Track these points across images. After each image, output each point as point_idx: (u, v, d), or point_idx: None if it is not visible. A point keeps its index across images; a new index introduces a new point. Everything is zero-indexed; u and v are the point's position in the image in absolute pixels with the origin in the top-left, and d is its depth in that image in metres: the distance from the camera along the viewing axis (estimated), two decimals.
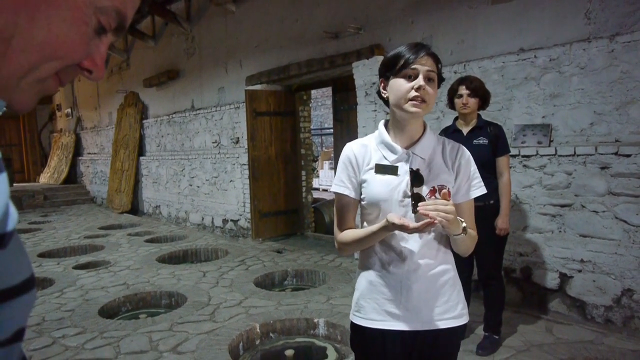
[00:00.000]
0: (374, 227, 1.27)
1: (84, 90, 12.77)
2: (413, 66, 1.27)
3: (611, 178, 3.10)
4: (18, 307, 0.43)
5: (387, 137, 1.36)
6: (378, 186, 1.32)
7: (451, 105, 2.97)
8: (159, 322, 3.50)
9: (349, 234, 1.38)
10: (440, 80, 1.34)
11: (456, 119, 3.01)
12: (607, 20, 3.12)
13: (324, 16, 5.32)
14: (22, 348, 0.48)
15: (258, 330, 3.31)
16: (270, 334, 3.36)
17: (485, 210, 2.80)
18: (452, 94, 2.92)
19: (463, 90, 2.84)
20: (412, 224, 1.18)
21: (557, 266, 3.38)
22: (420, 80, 1.26)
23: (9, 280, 0.42)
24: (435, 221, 1.15)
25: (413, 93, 1.26)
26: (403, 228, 1.18)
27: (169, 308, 4.10)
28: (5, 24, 0.40)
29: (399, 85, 1.29)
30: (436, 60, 1.30)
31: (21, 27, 0.41)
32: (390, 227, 1.22)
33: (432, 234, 1.32)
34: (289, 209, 6.67)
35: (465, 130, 2.91)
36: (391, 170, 1.32)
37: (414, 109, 1.27)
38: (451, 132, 2.93)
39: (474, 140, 2.83)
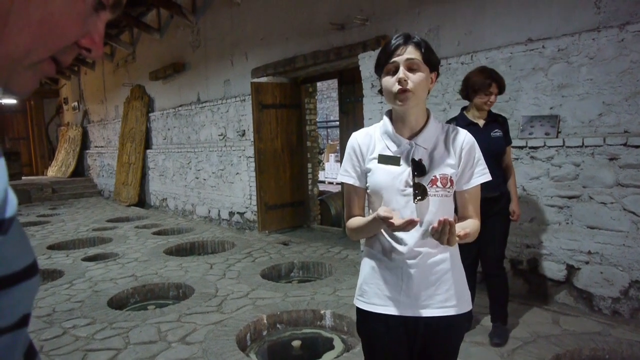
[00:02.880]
0: (369, 218, 1.31)
1: (90, 84, 12.82)
2: (391, 60, 1.28)
3: (620, 169, 3.07)
4: (22, 293, 0.43)
5: (390, 128, 1.37)
6: (381, 175, 1.35)
7: (466, 96, 2.85)
8: (168, 313, 3.54)
9: (354, 222, 1.42)
10: (435, 64, 1.32)
11: (464, 109, 2.95)
12: (617, 9, 3.08)
13: (329, 7, 5.29)
14: (30, 336, 0.48)
15: (265, 321, 3.34)
16: (277, 325, 3.39)
17: (497, 201, 2.79)
18: (476, 87, 2.75)
19: (494, 89, 2.74)
20: (397, 220, 1.19)
21: (564, 258, 3.37)
22: (400, 73, 1.26)
23: (11, 266, 0.42)
24: (431, 235, 1.22)
25: (397, 87, 1.27)
26: (388, 223, 1.19)
27: (177, 299, 4.14)
28: (1, 1, 0.39)
29: (385, 83, 1.31)
30: (418, 46, 1.28)
31: (17, 5, 0.39)
32: (379, 220, 1.23)
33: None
34: (295, 201, 6.68)
35: (481, 123, 2.85)
36: (393, 160, 1.34)
37: (400, 104, 1.28)
38: (466, 125, 2.78)
39: (492, 133, 2.79)
